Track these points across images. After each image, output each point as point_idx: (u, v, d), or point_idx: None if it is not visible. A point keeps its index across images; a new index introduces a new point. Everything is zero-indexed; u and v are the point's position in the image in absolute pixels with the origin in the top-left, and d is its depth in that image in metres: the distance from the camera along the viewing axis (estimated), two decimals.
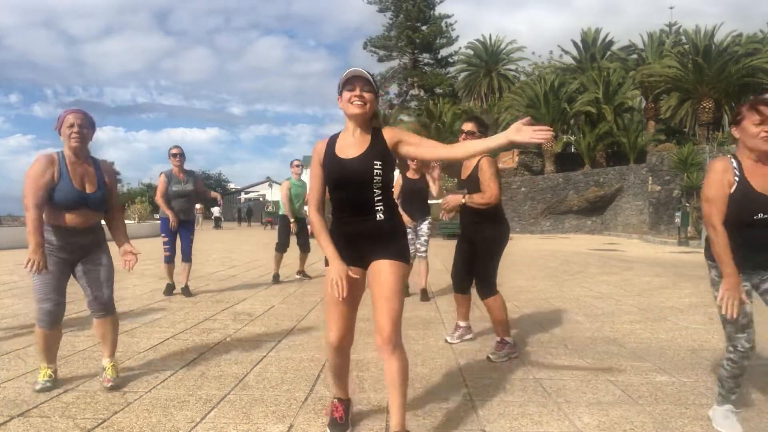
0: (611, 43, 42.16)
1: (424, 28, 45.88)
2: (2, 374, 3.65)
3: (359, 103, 2.52)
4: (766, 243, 2.64)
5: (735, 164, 2.69)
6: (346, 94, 2.55)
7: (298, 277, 9.02)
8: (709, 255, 2.82)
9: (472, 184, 4.13)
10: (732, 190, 2.65)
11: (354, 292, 2.65)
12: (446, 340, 4.73)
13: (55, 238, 3.33)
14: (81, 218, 3.37)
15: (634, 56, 39.17)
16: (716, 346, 4.67)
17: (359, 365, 3.95)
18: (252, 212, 52.93)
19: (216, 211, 40.37)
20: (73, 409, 3.04)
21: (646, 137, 31.43)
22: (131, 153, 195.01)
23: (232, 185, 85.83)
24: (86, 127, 3.41)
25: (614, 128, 32.49)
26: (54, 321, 3.38)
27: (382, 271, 2.59)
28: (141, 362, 3.99)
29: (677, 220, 18.93)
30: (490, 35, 48.10)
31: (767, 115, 2.57)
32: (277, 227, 9.30)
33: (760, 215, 2.61)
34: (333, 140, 2.68)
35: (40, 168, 3.25)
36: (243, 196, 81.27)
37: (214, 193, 8.15)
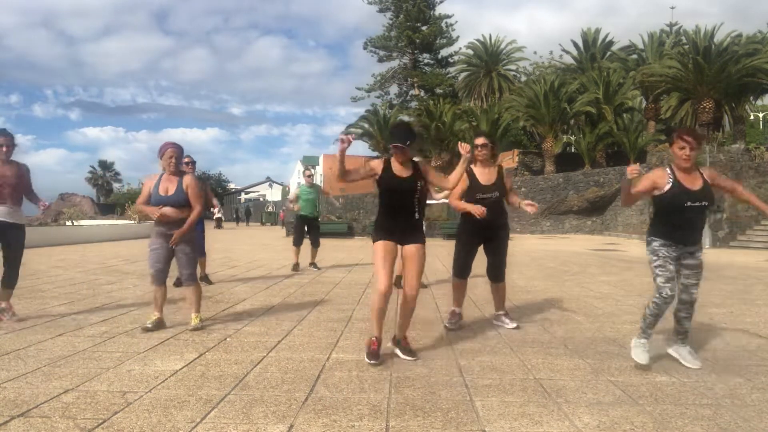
0: (611, 43, 42.12)
1: (424, 28, 45.82)
2: (2, 374, 3.65)
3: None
4: (691, 223, 3.93)
5: (669, 171, 3.95)
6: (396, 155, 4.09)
7: (310, 268, 10.28)
8: (648, 233, 4.07)
9: (500, 188, 5.10)
10: (667, 189, 3.89)
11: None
12: (446, 326, 5.23)
13: (156, 226, 5.05)
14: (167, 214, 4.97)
15: (634, 56, 39.13)
16: (716, 346, 4.67)
17: (359, 365, 3.95)
18: (251, 212, 53.06)
19: (217, 211, 40.41)
20: (73, 409, 3.04)
21: (646, 137, 31.42)
22: (132, 153, 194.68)
23: (232, 185, 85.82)
24: (179, 159, 5.09)
25: (614, 128, 32.48)
26: (158, 281, 5.11)
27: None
28: (141, 362, 3.99)
29: None
30: (490, 35, 48.07)
31: (687, 143, 3.81)
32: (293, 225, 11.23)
33: (689, 203, 3.85)
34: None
35: (146, 183, 5.22)
36: (243, 196, 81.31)
37: (214, 202, 9.01)
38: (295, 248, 10.29)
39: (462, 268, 5.24)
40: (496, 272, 5.23)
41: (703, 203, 3.88)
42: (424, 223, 4.22)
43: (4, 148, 5.33)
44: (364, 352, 4.15)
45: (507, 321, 5.28)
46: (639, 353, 4.00)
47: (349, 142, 3.89)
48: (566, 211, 28.74)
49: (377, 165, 4.13)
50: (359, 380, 3.61)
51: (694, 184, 3.89)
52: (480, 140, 5.09)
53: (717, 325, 5.56)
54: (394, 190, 4.06)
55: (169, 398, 3.24)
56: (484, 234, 5.15)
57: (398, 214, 4.08)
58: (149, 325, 5.00)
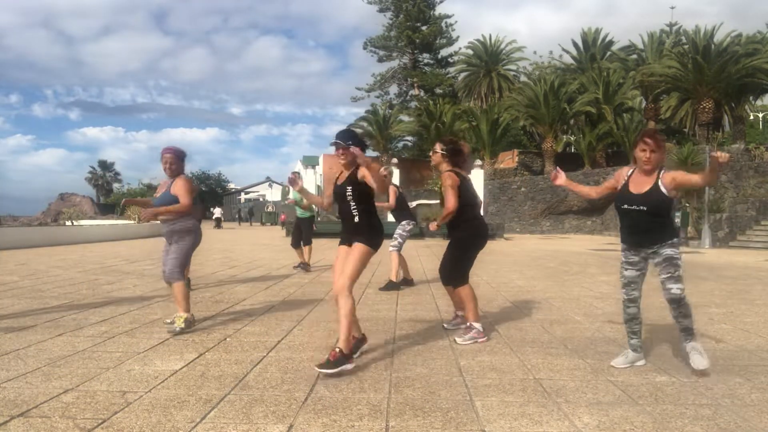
0: (611, 43, 42.17)
1: (424, 28, 45.86)
2: (2, 374, 3.65)
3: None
4: (636, 226, 3.84)
5: (629, 172, 3.92)
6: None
7: (298, 268, 10.17)
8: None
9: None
10: (619, 188, 3.93)
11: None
12: (444, 327, 5.21)
13: (164, 228, 5.16)
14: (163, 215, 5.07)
15: (634, 56, 39.19)
16: (716, 346, 4.67)
17: (359, 365, 3.95)
18: (253, 212, 53.63)
19: (217, 212, 40.57)
20: (73, 409, 3.04)
21: None
22: (131, 153, 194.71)
23: (232, 185, 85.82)
24: (174, 162, 5.11)
25: (614, 128, 32.51)
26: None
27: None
28: (141, 362, 3.99)
29: (677, 220, 18.96)
30: (490, 35, 48.10)
31: (647, 145, 3.75)
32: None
33: (625, 206, 3.85)
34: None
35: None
36: (243, 196, 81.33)
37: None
38: (295, 250, 10.46)
39: (439, 273, 5.26)
40: (448, 275, 5.00)
41: (641, 207, 3.76)
42: (373, 224, 4.03)
43: None
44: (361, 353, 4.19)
45: (461, 334, 4.78)
46: (618, 359, 4.05)
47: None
48: (566, 211, 28.76)
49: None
50: (359, 380, 3.61)
51: (642, 187, 3.80)
52: (435, 146, 5.08)
53: (717, 325, 5.57)
54: (336, 196, 4.17)
55: (169, 398, 3.24)
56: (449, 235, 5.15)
57: (342, 219, 4.14)
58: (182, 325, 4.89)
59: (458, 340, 4.69)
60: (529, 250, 16.25)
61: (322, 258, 12.35)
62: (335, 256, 4.17)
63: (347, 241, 4.09)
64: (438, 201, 24.10)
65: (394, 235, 8.03)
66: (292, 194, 10.65)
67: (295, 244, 10.43)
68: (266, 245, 18.47)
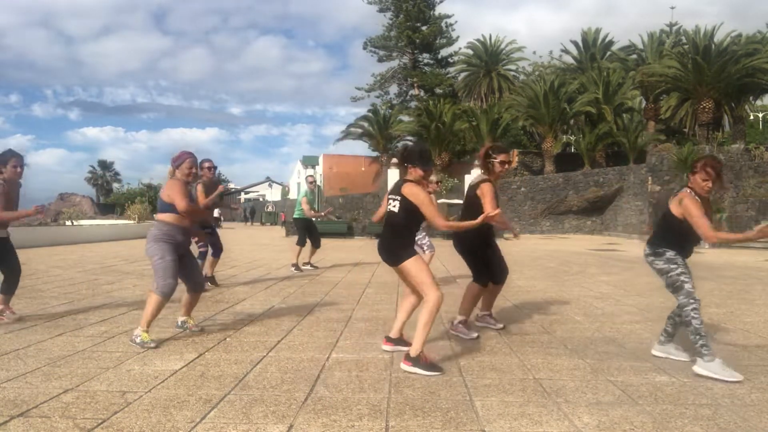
0: (611, 43, 42.13)
1: (424, 28, 45.79)
2: (2, 374, 3.65)
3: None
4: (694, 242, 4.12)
5: (695, 197, 3.97)
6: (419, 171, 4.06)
7: (307, 267, 10.45)
8: (659, 245, 4.08)
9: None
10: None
11: None
12: (444, 327, 5.17)
13: (181, 235, 4.64)
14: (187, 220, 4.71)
15: (634, 56, 39.14)
16: (716, 346, 4.67)
17: (359, 365, 3.95)
18: (255, 212, 54.22)
19: (216, 212, 40.65)
20: (73, 409, 3.04)
21: (646, 137, 31.42)
22: (131, 153, 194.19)
23: (232, 185, 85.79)
24: (198, 167, 4.88)
25: (614, 128, 32.49)
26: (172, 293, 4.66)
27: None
28: (141, 362, 3.99)
29: None
30: (490, 35, 48.02)
31: (711, 175, 3.89)
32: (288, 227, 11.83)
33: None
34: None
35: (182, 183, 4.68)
36: (243, 196, 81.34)
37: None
38: (300, 248, 10.57)
39: (487, 277, 5.12)
40: (505, 275, 5.21)
41: None
42: None
43: (18, 169, 5.31)
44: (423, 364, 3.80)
45: (493, 322, 5.30)
46: (730, 372, 3.69)
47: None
48: (566, 211, 28.75)
49: None
50: (359, 380, 3.61)
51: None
52: (504, 156, 4.89)
53: (717, 325, 5.56)
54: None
55: (169, 398, 3.24)
56: (488, 237, 5.10)
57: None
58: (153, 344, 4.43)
59: (499, 325, 5.23)
60: (529, 250, 16.24)
61: (322, 258, 12.35)
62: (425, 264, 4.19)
63: None
64: (443, 201, 24.02)
65: (426, 241, 8.14)
66: (306, 196, 10.66)
67: (302, 243, 10.54)
68: (266, 245, 18.47)
